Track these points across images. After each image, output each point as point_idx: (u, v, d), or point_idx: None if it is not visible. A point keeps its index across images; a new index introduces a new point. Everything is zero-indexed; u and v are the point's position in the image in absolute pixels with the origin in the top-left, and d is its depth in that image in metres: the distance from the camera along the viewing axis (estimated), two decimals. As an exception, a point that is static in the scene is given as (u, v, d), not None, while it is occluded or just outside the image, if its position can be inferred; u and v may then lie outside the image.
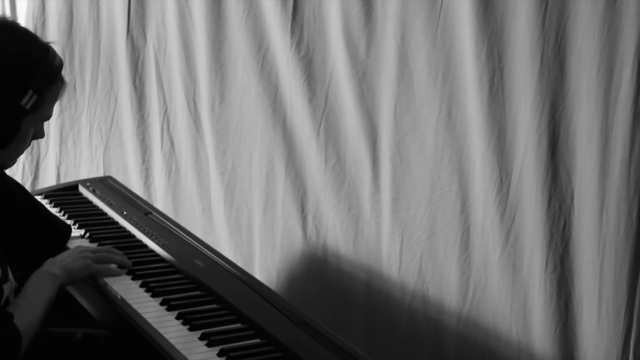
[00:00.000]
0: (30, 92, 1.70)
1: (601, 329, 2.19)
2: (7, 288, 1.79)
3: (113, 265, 1.98)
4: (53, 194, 2.47)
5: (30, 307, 1.76)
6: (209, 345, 1.69)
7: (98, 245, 2.12)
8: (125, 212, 2.31)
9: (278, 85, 2.74)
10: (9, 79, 1.69)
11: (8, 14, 3.29)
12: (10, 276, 1.82)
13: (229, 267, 2.05)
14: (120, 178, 2.94)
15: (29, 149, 3.26)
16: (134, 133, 3.11)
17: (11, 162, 1.82)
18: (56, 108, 3.22)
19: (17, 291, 1.83)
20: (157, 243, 2.13)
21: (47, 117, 1.80)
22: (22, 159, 3.29)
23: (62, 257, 1.91)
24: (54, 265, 1.87)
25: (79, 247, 1.99)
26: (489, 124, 2.32)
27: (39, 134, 1.83)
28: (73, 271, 1.88)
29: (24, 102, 1.69)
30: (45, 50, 1.75)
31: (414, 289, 2.52)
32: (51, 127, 3.26)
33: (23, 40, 1.73)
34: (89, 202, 2.44)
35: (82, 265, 1.90)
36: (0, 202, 1.89)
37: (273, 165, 2.77)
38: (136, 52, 3.07)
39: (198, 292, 1.93)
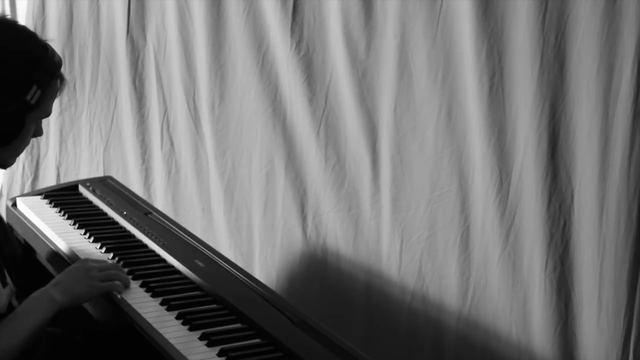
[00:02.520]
0: (34, 87, 1.72)
1: (601, 329, 2.19)
2: (7, 292, 1.79)
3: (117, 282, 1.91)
4: (53, 194, 2.47)
5: (13, 330, 1.71)
6: (209, 345, 1.69)
7: (100, 246, 2.12)
8: (125, 212, 2.31)
9: (278, 85, 2.74)
10: (12, 75, 1.71)
11: (8, 13, 3.29)
12: (9, 280, 1.81)
13: (229, 267, 2.05)
14: (120, 178, 2.94)
15: (29, 148, 3.28)
16: (134, 133, 3.11)
17: (12, 160, 1.83)
18: (56, 108, 3.23)
19: (17, 294, 1.83)
20: (157, 243, 2.13)
21: (48, 113, 1.82)
22: (22, 159, 3.29)
23: (67, 278, 1.83)
24: (57, 287, 1.80)
25: (85, 263, 1.89)
26: (489, 124, 2.32)
27: (38, 131, 1.85)
28: (76, 295, 1.81)
29: (28, 97, 1.71)
30: (44, 47, 1.77)
31: (414, 289, 2.52)
32: (51, 127, 3.26)
33: (23, 37, 1.76)
34: (89, 202, 2.44)
35: (88, 288, 1.82)
36: None
37: (273, 165, 2.77)
38: (136, 52, 3.07)
39: (198, 292, 1.93)
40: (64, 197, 2.45)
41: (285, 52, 2.68)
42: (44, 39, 1.80)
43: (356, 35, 2.54)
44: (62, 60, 1.82)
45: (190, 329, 1.75)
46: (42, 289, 1.81)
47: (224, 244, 2.89)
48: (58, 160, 3.28)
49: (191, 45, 2.93)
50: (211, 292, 1.91)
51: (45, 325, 1.77)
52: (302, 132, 2.70)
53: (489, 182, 2.34)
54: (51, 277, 1.88)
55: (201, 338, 1.71)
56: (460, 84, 2.38)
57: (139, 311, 1.81)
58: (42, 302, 1.77)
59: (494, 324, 2.38)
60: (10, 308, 1.79)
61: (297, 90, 2.68)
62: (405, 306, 2.54)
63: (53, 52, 1.78)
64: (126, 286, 1.90)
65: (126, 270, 1.99)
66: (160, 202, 3.05)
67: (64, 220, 2.28)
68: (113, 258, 2.05)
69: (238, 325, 1.79)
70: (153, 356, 1.71)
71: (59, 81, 1.80)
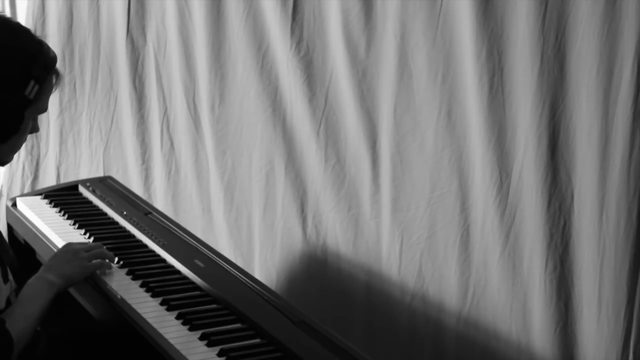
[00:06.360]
0: (32, 82, 1.73)
1: (601, 329, 2.19)
2: (7, 288, 1.79)
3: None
4: (53, 194, 2.47)
5: (24, 315, 1.77)
6: (209, 345, 1.69)
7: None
8: (125, 212, 2.31)
9: (278, 85, 2.74)
10: (10, 70, 1.72)
11: (8, 13, 3.29)
12: (10, 277, 1.82)
13: (229, 267, 2.05)
14: (120, 178, 2.94)
15: (28, 148, 3.28)
16: (134, 133, 3.11)
17: (10, 157, 1.84)
18: (56, 108, 3.23)
19: (17, 292, 1.83)
20: (157, 243, 2.13)
21: (44, 109, 1.84)
22: (22, 159, 3.29)
23: (57, 262, 1.91)
24: (51, 272, 1.86)
25: (70, 246, 1.98)
26: (489, 124, 2.32)
27: (35, 127, 1.86)
28: (70, 277, 1.89)
29: (27, 92, 1.72)
30: (39, 43, 1.79)
31: (413, 289, 2.52)
32: (51, 127, 3.26)
33: (18, 33, 1.78)
34: (89, 202, 2.44)
35: (79, 270, 1.91)
36: None
37: (273, 165, 2.77)
38: (136, 52, 3.07)
39: (198, 292, 1.93)
40: (64, 197, 2.45)
41: (285, 52, 2.68)
42: (38, 35, 1.82)
43: (356, 35, 2.54)
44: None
45: (190, 329, 1.75)
46: (37, 275, 1.87)
47: (224, 244, 2.89)
48: (58, 160, 3.28)
49: (191, 45, 2.93)
50: (211, 292, 1.91)
51: (49, 307, 1.82)
52: (302, 132, 2.70)
53: (489, 182, 2.34)
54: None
55: (201, 338, 1.71)
56: (460, 84, 2.38)
57: (139, 311, 1.81)
58: (43, 287, 1.83)
59: (494, 324, 2.38)
60: (9, 305, 1.79)
61: (297, 90, 2.68)
62: (405, 306, 2.54)
63: (48, 47, 1.80)
64: (112, 262, 2.00)
65: (126, 270, 1.99)
66: (160, 202, 3.05)
67: (64, 220, 2.29)
68: (113, 258, 2.06)
69: (238, 325, 1.79)
70: (153, 356, 1.71)
71: (54, 76, 1.81)
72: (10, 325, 1.72)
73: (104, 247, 2.03)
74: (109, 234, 2.21)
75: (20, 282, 1.85)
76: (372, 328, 2.62)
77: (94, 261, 1.95)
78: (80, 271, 1.90)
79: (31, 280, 1.84)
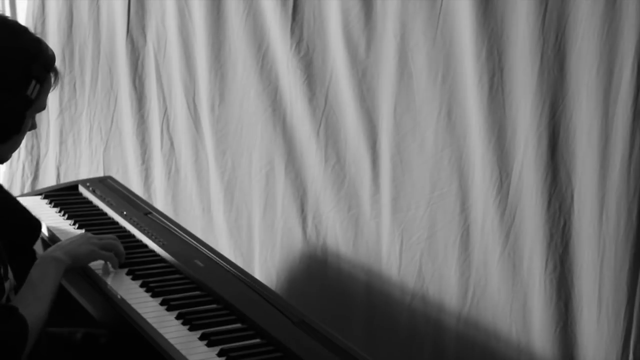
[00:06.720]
0: (34, 82, 1.73)
1: (601, 329, 2.19)
2: (7, 286, 1.79)
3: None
4: (53, 194, 2.47)
5: (36, 297, 1.77)
6: (209, 345, 1.69)
7: None
8: (125, 212, 2.31)
9: (278, 85, 2.74)
10: (11, 71, 1.72)
11: (8, 13, 3.29)
12: (10, 274, 1.82)
13: (229, 267, 2.05)
14: (120, 178, 2.94)
15: (28, 148, 3.28)
16: (134, 133, 3.11)
17: (9, 155, 1.84)
18: (56, 108, 3.23)
19: (16, 289, 1.83)
20: (157, 243, 2.13)
21: (43, 107, 1.84)
22: (22, 158, 3.29)
23: (67, 242, 1.92)
24: (59, 250, 1.88)
25: (85, 233, 2.00)
26: (489, 124, 2.32)
27: (34, 125, 1.86)
28: (78, 257, 1.90)
29: (29, 92, 1.72)
30: (37, 41, 1.79)
31: (413, 289, 2.52)
32: (51, 127, 3.26)
33: (17, 32, 1.77)
34: (89, 202, 2.44)
35: (88, 251, 1.92)
36: None
37: (273, 165, 2.77)
38: (136, 52, 3.07)
39: (198, 292, 1.93)
40: (64, 197, 2.45)
41: (285, 52, 2.68)
42: (35, 33, 1.82)
43: (356, 35, 2.55)
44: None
45: (190, 329, 1.75)
46: (43, 254, 1.87)
47: (224, 244, 2.89)
48: (58, 160, 3.28)
49: (191, 45, 2.93)
50: (211, 292, 1.91)
51: (58, 286, 1.82)
52: (302, 132, 2.70)
53: (489, 182, 2.34)
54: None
55: (201, 338, 1.71)
56: (460, 84, 2.38)
57: (139, 311, 1.81)
58: (50, 265, 1.83)
59: (494, 324, 2.38)
60: (7, 302, 1.79)
61: (297, 90, 2.68)
62: (405, 306, 2.54)
63: (46, 45, 1.80)
64: (122, 259, 2.00)
65: (126, 270, 1.99)
66: (160, 202, 3.05)
67: (64, 220, 2.29)
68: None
69: (238, 325, 1.79)
70: (153, 356, 1.71)
71: (53, 74, 1.81)
72: (24, 310, 1.71)
73: (118, 239, 2.03)
74: (109, 234, 2.21)
75: (21, 281, 1.85)
76: (372, 328, 2.62)
77: (104, 252, 1.96)
78: (87, 253, 1.92)
79: (38, 261, 1.84)
